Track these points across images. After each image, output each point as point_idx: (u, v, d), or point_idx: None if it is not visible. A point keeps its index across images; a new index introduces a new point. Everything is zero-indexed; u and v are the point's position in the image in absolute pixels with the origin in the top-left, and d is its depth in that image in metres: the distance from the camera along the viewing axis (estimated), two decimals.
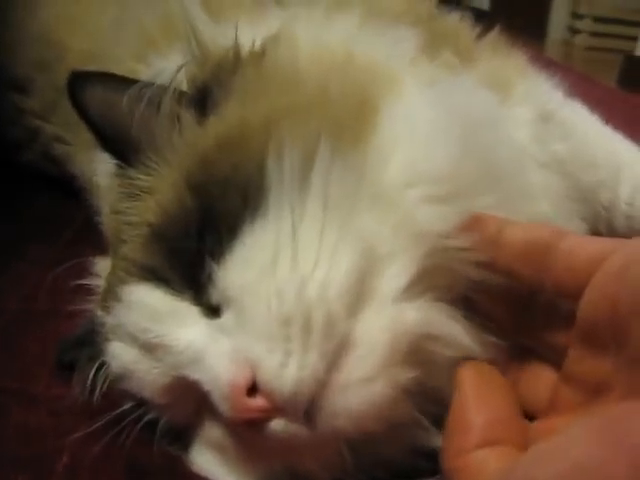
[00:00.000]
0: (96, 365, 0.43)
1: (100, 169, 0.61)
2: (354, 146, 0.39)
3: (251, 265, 0.37)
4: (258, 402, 0.35)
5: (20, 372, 0.54)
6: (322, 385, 0.34)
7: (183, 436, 0.42)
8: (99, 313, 0.43)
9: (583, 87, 0.76)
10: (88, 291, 0.49)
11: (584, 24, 2.99)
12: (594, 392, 0.34)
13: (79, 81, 0.44)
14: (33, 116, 0.83)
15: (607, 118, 0.74)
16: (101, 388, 0.44)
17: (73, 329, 0.51)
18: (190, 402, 0.40)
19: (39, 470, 0.44)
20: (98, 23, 0.76)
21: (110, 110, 0.43)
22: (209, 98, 0.43)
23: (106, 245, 0.51)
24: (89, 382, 0.44)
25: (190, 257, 0.38)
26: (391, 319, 0.36)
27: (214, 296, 0.38)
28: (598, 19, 2.92)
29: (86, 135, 0.69)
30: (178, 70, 0.44)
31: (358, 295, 0.36)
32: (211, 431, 0.40)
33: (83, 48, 0.74)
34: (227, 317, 0.37)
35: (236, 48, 0.44)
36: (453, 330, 0.38)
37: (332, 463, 0.37)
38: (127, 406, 0.41)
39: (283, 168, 0.37)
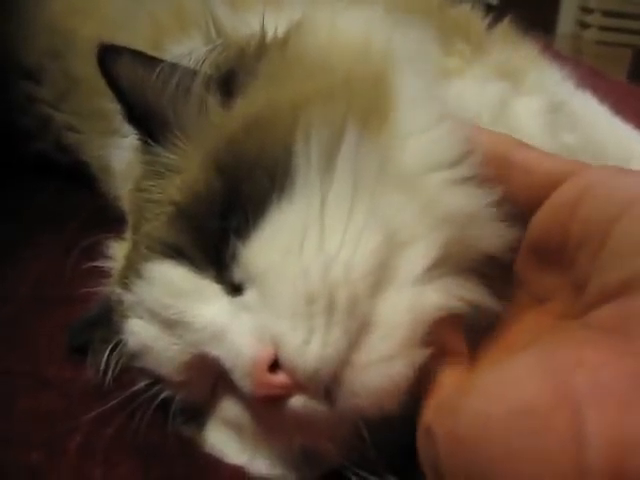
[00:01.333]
0: (110, 346, 0.44)
1: (116, 154, 0.61)
2: (378, 131, 0.39)
3: (278, 244, 0.37)
4: (280, 378, 0.35)
5: (31, 355, 0.54)
6: (343, 363, 0.35)
7: (197, 415, 0.43)
8: (117, 290, 0.44)
9: (592, 81, 0.76)
10: (100, 273, 0.49)
11: (593, 18, 2.98)
12: (539, 299, 0.37)
13: (109, 52, 0.44)
14: (44, 105, 0.83)
15: (617, 111, 0.74)
16: (114, 369, 0.44)
17: (84, 312, 0.51)
18: (207, 380, 0.41)
19: (52, 449, 0.44)
20: (109, 11, 0.76)
21: (139, 84, 0.44)
22: (235, 82, 0.43)
23: (117, 229, 0.52)
24: (103, 363, 0.45)
25: (214, 236, 0.39)
26: (411, 301, 0.36)
27: (237, 274, 0.39)
28: (608, 13, 2.90)
29: (98, 122, 0.70)
30: (208, 54, 0.44)
31: (381, 276, 0.36)
32: (227, 409, 0.41)
33: (94, 36, 0.74)
34: (250, 295, 0.38)
35: (262, 34, 0.44)
36: (470, 312, 0.38)
37: (348, 442, 0.38)
38: (141, 385, 0.41)
39: (310, 150, 0.38)
